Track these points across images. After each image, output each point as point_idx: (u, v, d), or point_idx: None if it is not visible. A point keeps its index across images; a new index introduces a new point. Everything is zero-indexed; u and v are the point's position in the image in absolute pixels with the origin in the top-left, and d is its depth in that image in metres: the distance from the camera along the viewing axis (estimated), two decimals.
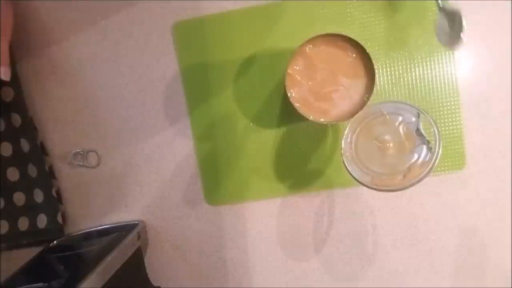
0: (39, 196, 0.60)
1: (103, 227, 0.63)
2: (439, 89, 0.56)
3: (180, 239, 0.63)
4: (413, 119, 0.42)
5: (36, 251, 0.59)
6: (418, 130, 0.41)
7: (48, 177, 0.59)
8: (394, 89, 0.57)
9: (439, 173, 0.58)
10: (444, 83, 0.56)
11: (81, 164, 0.62)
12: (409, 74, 0.56)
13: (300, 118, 0.48)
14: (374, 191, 0.42)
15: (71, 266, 0.54)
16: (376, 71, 0.47)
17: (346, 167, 0.43)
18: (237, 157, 0.60)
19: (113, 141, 0.62)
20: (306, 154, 0.59)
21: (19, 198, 0.60)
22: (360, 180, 0.42)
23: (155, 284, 0.64)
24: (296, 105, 0.48)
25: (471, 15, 0.55)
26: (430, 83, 0.56)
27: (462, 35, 0.41)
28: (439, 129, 0.41)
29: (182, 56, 0.59)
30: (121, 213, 0.63)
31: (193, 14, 0.58)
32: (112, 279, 0.49)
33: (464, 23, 0.41)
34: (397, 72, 0.56)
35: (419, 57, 0.56)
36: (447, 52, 0.56)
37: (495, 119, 0.57)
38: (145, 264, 0.63)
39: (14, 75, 0.58)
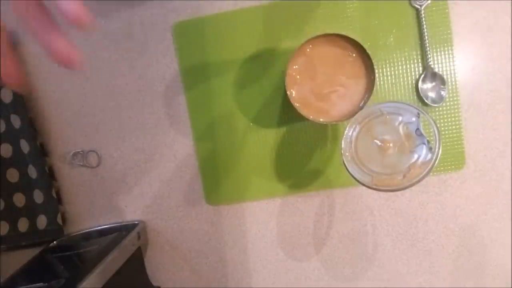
0: (39, 197, 0.60)
1: (103, 227, 0.63)
2: None
3: (180, 239, 0.63)
4: (413, 119, 0.42)
5: (36, 251, 0.59)
6: (418, 130, 0.41)
7: (48, 178, 0.59)
8: (394, 89, 0.57)
9: (439, 173, 0.58)
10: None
11: (81, 164, 0.62)
12: (408, 74, 0.56)
13: (300, 118, 0.48)
14: (374, 191, 0.42)
15: (71, 266, 0.54)
16: (376, 71, 0.47)
17: (346, 167, 0.43)
18: (237, 157, 0.60)
19: (113, 141, 0.62)
20: (306, 154, 0.59)
21: (19, 199, 0.60)
22: (360, 180, 0.42)
23: (155, 284, 0.64)
24: (296, 105, 0.48)
25: (472, 14, 0.55)
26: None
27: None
28: (439, 129, 0.41)
29: (182, 56, 0.59)
30: (121, 213, 0.63)
31: (193, 14, 0.58)
32: (112, 279, 0.49)
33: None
34: (397, 72, 0.56)
35: (419, 57, 0.56)
36: (447, 52, 0.56)
37: (495, 119, 0.57)
38: (145, 264, 0.63)
39: None
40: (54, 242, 0.61)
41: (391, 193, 0.59)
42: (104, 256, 0.50)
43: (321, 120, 0.48)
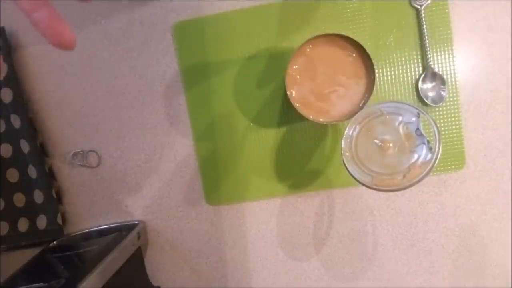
0: (39, 197, 0.60)
1: (103, 227, 0.63)
2: None
3: (180, 239, 0.63)
4: (413, 119, 0.42)
5: (36, 251, 0.59)
6: (418, 130, 0.41)
7: (48, 177, 0.59)
8: (394, 89, 0.57)
9: (439, 173, 0.58)
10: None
11: (81, 164, 0.62)
12: (408, 74, 0.56)
13: (300, 118, 0.48)
14: (374, 191, 0.42)
15: (71, 266, 0.54)
16: (376, 71, 0.47)
17: (346, 167, 0.43)
18: (237, 157, 0.60)
19: (113, 141, 0.62)
20: (306, 154, 0.59)
21: (19, 199, 0.60)
22: (360, 180, 0.42)
23: (155, 284, 0.64)
24: (296, 105, 0.48)
25: (472, 14, 0.55)
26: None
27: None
28: (439, 129, 0.41)
29: (182, 56, 0.59)
30: (121, 213, 0.63)
31: (193, 14, 0.58)
32: (112, 279, 0.49)
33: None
34: (397, 72, 0.56)
35: (419, 57, 0.56)
36: (447, 52, 0.56)
37: (495, 119, 0.57)
38: (145, 264, 0.63)
39: (13, 75, 0.58)
40: (54, 242, 0.61)
41: (391, 193, 0.59)
42: (104, 256, 0.50)
43: (321, 120, 0.48)
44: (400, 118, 0.42)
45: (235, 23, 0.57)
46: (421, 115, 0.41)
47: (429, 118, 0.41)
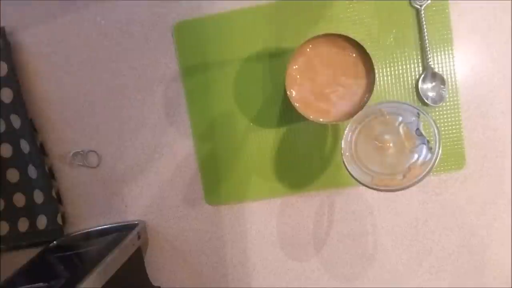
0: (39, 197, 0.60)
1: (103, 227, 0.63)
2: None
3: (180, 239, 0.63)
4: (413, 119, 0.42)
5: (36, 251, 0.59)
6: (418, 130, 0.41)
7: (48, 178, 0.59)
8: (394, 89, 0.57)
9: (439, 173, 0.58)
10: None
11: (81, 164, 0.62)
12: (408, 74, 0.56)
13: (300, 118, 0.48)
14: (374, 191, 0.42)
15: (71, 266, 0.54)
16: (376, 71, 0.47)
17: (346, 167, 0.43)
18: (237, 157, 0.60)
19: (113, 141, 0.62)
20: (306, 154, 0.59)
21: (19, 199, 0.60)
22: (360, 180, 0.42)
23: (155, 284, 0.64)
24: (296, 105, 0.48)
25: (472, 14, 0.55)
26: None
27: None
28: (439, 129, 0.41)
29: (182, 56, 0.59)
30: (121, 213, 0.63)
31: (193, 14, 0.58)
32: (112, 279, 0.49)
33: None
34: (397, 72, 0.56)
35: (419, 57, 0.56)
36: (447, 53, 0.56)
37: (495, 119, 0.57)
38: (145, 264, 0.63)
39: (13, 75, 0.58)
40: (54, 242, 0.61)
41: (391, 193, 0.59)
42: (104, 256, 0.50)
43: (321, 120, 0.48)
44: (400, 118, 0.42)
45: (235, 23, 0.57)
46: (421, 115, 0.41)
47: (429, 118, 0.41)
